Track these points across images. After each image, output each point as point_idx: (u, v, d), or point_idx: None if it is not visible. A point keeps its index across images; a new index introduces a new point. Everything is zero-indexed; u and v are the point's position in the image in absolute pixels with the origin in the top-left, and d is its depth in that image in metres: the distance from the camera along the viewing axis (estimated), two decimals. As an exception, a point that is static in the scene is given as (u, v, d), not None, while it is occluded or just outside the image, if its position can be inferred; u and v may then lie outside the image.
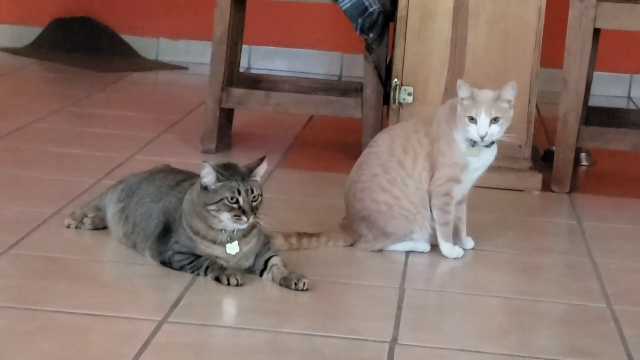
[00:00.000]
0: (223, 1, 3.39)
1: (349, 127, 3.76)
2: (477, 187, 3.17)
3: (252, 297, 2.26)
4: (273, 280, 2.31)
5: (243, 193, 2.27)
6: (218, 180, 2.28)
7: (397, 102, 3.21)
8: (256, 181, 2.32)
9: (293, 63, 4.87)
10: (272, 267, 2.33)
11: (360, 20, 3.30)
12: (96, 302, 2.15)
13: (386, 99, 3.34)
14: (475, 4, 3.16)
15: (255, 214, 2.29)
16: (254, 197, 2.29)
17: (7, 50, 4.87)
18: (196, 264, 2.31)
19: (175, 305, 2.15)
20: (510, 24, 3.17)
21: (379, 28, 3.31)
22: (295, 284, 2.28)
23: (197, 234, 2.31)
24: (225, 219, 2.28)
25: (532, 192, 3.20)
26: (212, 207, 2.28)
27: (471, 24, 3.17)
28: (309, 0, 3.42)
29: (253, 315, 2.15)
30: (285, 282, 2.29)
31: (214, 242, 2.31)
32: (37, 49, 4.87)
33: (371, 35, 3.31)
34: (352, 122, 3.57)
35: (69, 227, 2.54)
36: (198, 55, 4.82)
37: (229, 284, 2.26)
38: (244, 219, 2.27)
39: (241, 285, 2.26)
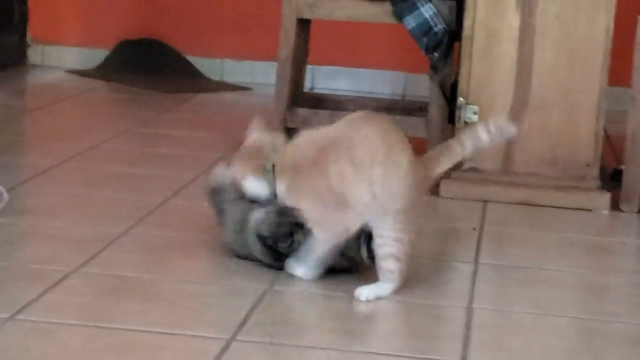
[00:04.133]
0: (288, 22, 3.41)
1: (413, 147, 3.75)
2: (544, 206, 3.17)
3: (320, 315, 2.26)
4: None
5: None
6: None
7: (462, 121, 3.21)
8: None
9: (356, 82, 4.88)
10: None
11: (425, 40, 3.30)
12: (165, 320, 2.16)
13: (451, 118, 3.34)
14: (542, 23, 3.15)
15: None
16: None
17: (75, 72, 4.94)
18: None
19: (243, 323, 2.16)
20: (577, 43, 3.15)
21: (444, 47, 3.31)
22: None
23: None
24: None
25: (600, 211, 3.17)
26: None
27: (537, 43, 3.16)
28: (372, 20, 3.43)
29: (320, 334, 2.15)
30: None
31: None
32: (104, 71, 4.93)
33: (436, 55, 3.32)
34: (417, 142, 3.56)
35: None
36: (262, 76, 4.85)
37: None
38: None
39: None
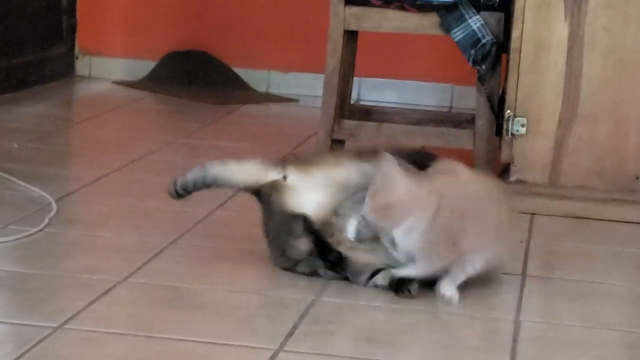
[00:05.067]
0: (335, 34, 3.42)
1: (460, 159, 3.73)
2: (592, 219, 3.14)
3: (367, 326, 2.26)
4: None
5: None
6: None
7: (509, 133, 3.19)
8: None
9: (403, 94, 4.87)
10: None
11: (472, 52, 3.29)
12: (212, 330, 2.17)
13: (498, 130, 3.32)
14: (590, 35, 3.13)
15: None
16: None
17: (122, 83, 4.97)
18: None
19: (291, 334, 2.16)
20: (625, 55, 3.13)
21: (492, 59, 3.30)
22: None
23: None
24: None
25: (648, 225, 3.15)
26: None
27: (586, 54, 3.14)
28: (419, 31, 3.43)
29: (368, 345, 2.15)
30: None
31: None
32: (151, 82, 4.96)
33: (483, 67, 3.30)
34: (464, 154, 3.56)
35: None
36: (308, 88, 4.86)
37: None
38: None
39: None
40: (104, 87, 4.93)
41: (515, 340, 2.21)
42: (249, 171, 2.50)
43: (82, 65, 5.12)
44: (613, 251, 2.89)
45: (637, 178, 3.16)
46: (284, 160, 2.56)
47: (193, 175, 2.54)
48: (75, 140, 4.06)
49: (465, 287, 2.52)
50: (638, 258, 2.86)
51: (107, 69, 5.09)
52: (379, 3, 3.40)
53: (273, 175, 2.49)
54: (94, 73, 5.11)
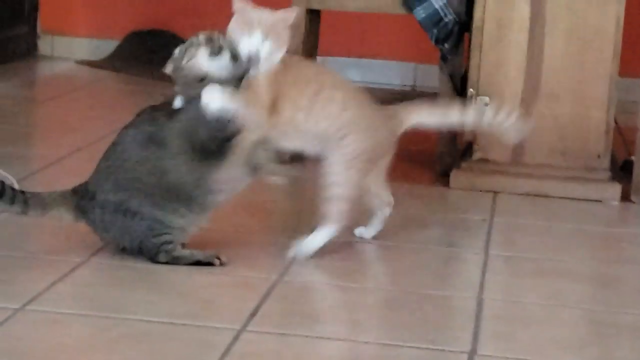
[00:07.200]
0: (298, 13, 3.40)
1: (424, 137, 3.74)
2: (554, 197, 3.16)
3: (331, 306, 2.26)
4: None
5: None
6: None
7: (472, 112, 3.20)
8: None
9: (366, 73, 4.87)
10: None
11: (435, 31, 3.29)
12: (175, 310, 2.17)
13: (461, 109, 3.33)
14: (552, 14, 3.14)
15: None
16: None
17: (84, 62, 4.94)
18: None
19: (254, 314, 2.17)
20: (587, 33, 3.14)
21: (454, 38, 3.31)
22: None
23: None
24: None
25: (610, 203, 3.17)
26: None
27: (547, 33, 3.15)
28: (382, 10, 3.43)
29: (330, 325, 2.15)
30: None
31: None
32: (114, 62, 4.94)
33: (446, 45, 3.31)
34: (428, 132, 3.55)
35: None
36: (272, 67, 4.84)
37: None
38: None
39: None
40: (67, 67, 4.89)
41: (478, 318, 2.22)
42: None
43: (45, 44, 5.08)
44: (575, 229, 2.91)
45: (598, 156, 3.18)
46: None
47: None
48: (38, 120, 4.04)
49: (427, 265, 2.53)
50: (599, 236, 2.88)
51: (70, 48, 5.05)
52: (342, -18, 3.40)
53: None
54: (57, 52, 5.07)
